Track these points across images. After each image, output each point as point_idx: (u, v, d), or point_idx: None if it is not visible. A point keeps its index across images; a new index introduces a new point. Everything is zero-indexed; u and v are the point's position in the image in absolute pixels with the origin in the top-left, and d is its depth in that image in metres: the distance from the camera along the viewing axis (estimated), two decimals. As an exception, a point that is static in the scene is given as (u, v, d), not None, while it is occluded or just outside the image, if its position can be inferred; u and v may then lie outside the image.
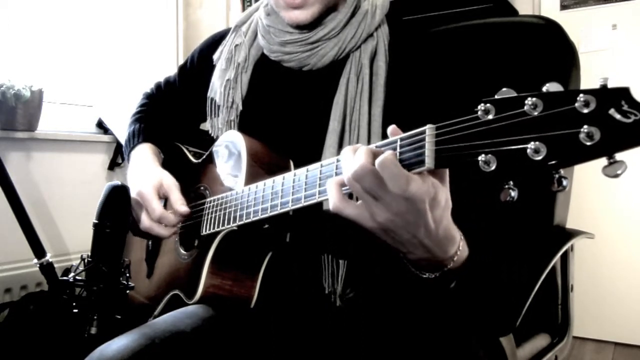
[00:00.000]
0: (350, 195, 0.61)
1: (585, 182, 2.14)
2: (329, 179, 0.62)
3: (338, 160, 0.65)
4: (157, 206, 0.93)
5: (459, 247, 0.65)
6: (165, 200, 0.99)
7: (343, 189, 0.60)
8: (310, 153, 0.81)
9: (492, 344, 0.90)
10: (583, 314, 2.24)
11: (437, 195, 0.57)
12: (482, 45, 1.16)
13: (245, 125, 0.99)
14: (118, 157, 2.32)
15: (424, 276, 0.66)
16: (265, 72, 1.00)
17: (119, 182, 0.93)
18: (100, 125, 2.35)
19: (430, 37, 0.97)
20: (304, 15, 0.88)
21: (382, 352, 0.80)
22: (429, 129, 0.54)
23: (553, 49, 1.07)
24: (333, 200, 0.60)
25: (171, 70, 1.25)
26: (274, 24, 0.96)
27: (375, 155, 0.57)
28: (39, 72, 2.12)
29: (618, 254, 2.40)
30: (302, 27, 0.91)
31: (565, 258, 1.19)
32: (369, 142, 0.84)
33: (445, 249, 0.63)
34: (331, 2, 0.90)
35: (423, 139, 0.54)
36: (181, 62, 2.52)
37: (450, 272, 0.66)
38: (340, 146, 0.86)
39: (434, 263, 0.64)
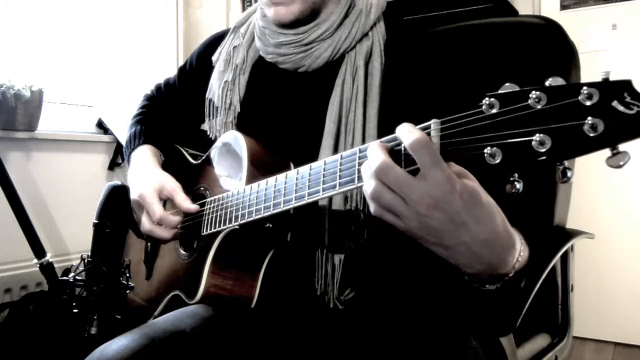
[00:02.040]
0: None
1: (586, 182, 2.15)
2: (364, 184, 0.59)
3: (342, 157, 0.65)
4: (157, 209, 0.93)
5: (520, 253, 0.61)
6: (165, 203, 0.99)
7: (369, 193, 0.57)
8: (307, 155, 0.81)
9: (492, 344, 0.90)
10: (583, 314, 2.24)
11: (466, 188, 0.54)
12: (482, 45, 1.16)
13: (242, 126, 0.99)
14: (118, 157, 2.32)
15: (485, 289, 0.62)
16: (263, 73, 1.00)
17: (119, 182, 0.94)
18: (100, 125, 2.35)
19: (429, 37, 0.97)
20: (284, 11, 0.88)
21: (382, 352, 0.80)
22: (434, 123, 0.54)
23: (553, 49, 1.07)
24: (372, 205, 0.58)
25: (171, 71, 1.26)
26: (268, 25, 0.96)
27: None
28: (39, 72, 2.12)
29: (618, 254, 2.40)
30: (286, 26, 0.91)
31: (565, 258, 1.19)
32: (363, 143, 0.84)
33: (503, 256, 0.59)
34: (317, 3, 0.89)
35: (428, 133, 0.54)
36: (181, 62, 2.51)
37: (511, 280, 0.62)
38: (335, 148, 0.87)
39: (495, 275, 0.61)
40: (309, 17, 0.90)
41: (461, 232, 0.55)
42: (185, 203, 0.93)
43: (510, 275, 0.61)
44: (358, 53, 0.90)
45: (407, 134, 0.54)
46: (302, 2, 0.88)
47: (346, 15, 0.91)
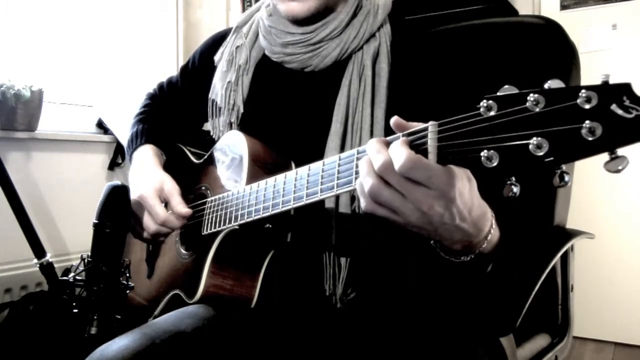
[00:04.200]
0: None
1: (586, 182, 2.14)
2: (358, 180, 0.60)
3: (340, 158, 0.65)
4: (160, 210, 0.93)
5: (491, 225, 0.64)
6: (166, 204, 0.99)
7: (366, 190, 0.58)
8: (312, 155, 0.81)
9: (492, 344, 0.90)
10: (583, 314, 2.24)
11: (462, 179, 0.56)
12: (482, 45, 1.16)
13: (246, 126, 0.99)
14: (118, 157, 2.32)
15: (458, 260, 0.66)
16: (267, 73, 1.00)
17: (119, 182, 0.93)
18: (100, 125, 2.35)
19: (432, 37, 0.97)
20: (300, 7, 0.88)
21: (382, 353, 0.80)
22: (431, 126, 0.54)
23: (553, 49, 1.07)
24: (366, 202, 0.59)
25: (171, 71, 1.26)
26: (275, 24, 0.96)
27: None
28: (39, 72, 2.12)
29: (618, 254, 2.40)
30: (299, 22, 0.91)
31: (565, 258, 1.18)
32: None
33: (480, 226, 0.62)
34: (330, 1, 0.89)
35: (425, 136, 0.54)
36: (181, 62, 2.51)
37: (483, 255, 0.65)
38: (342, 148, 0.86)
39: (468, 245, 0.64)
40: (321, 13, 0.90)
41: (454, 216, 0.57)
42: (179, 207, 0.92)
43: (483, 246, 0.64)
44: (365, 53, 0.90)
45: (396, 157, 0.55)
46: None
47: (354, 15, 0.91)
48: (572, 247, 1.18)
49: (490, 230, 0.64)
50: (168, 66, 2.60)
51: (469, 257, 0.65)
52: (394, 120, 0.60)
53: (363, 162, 0.58)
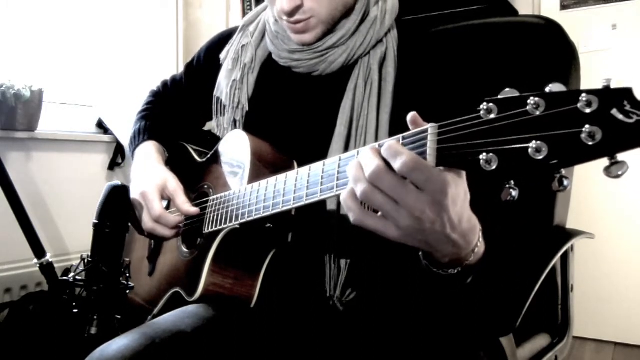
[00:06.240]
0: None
1: (586, 182, 2.14)
2: (343, 191, 0.60)
3: (341, 159, 0.65)
4: (157, 207, 0.94)
5: (479, 239, 0.64)
6: (169, 202, 0.99)
7: (358, 195, 0.57)
8: (316, 157, 0.81)
9: (492, 344, 0.90)
10: (583, 314, 2.24)
11: (457, 189, 0.56)
12: (482, 45, 1.16)
13: (250, 125, 0.99)
14: (118, 157, 2.32)
15: (445, 273, 0.66)
16: (273, 73, 1.00)
17: (119, 182, 0.94)
18: (100, 125, 2.35)
19: (433, 37, 0.97)
20: (308, 37, 0.90)
21: (382, 353, 0.80)
22: (431, 128, 0.54)
23: (553, 49, 1.07)
24: (354, 213, 0.59)
25: (171, 70, 1.26)
26: (282, 31, 0.96)
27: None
28: (39, 72, 2.12)
29: (618, 254, 2.40)
30: (308, 45, 0.92)
31: (565, 258, 1.19)
32: None
33: (469, 239, 0.62)
34: (336, 18, 0.90)
35: (425, 138, 0.54)
36: (181, 62, 2.51)
37: (469, 268, 0.65)
38: (346, 151, 0.86)
39: (456, 258, 0.64)
40: (329, 30, 0.91)
41: (445, 223, 0.57)
42: (185, 206, 0.93)
43: (470, 259, 0.64)
44: (372, 58, 0.91)
45: (395, 157, 0.54)
46: (323, 24, 0.89)
47: (361, 22, 0.92)
48: (572, 247, 1.18)
49: (477, 244, 0.64)
50: (168, 66, 2.59)
51: (456, 270, 0.65)
52: (411, 116, 0.59)
53: (352, 168, 0.58)
